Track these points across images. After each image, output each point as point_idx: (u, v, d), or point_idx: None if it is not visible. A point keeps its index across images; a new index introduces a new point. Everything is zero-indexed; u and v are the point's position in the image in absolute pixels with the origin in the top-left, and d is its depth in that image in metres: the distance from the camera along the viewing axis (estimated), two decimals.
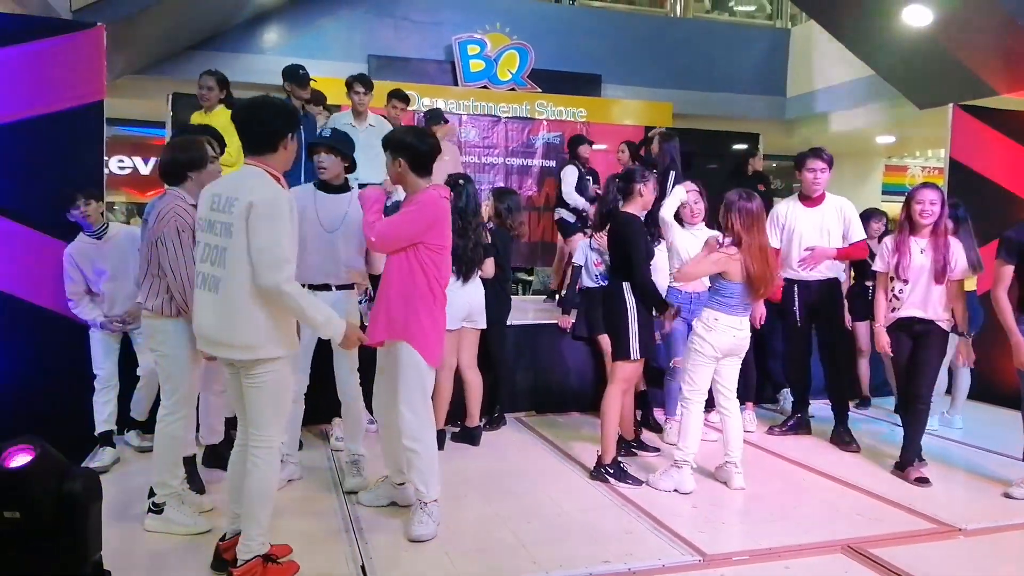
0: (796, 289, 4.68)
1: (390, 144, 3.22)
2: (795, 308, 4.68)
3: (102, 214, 4.09)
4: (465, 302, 4.35)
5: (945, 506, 3.69)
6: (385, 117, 5.75)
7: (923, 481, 3.95)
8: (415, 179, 3.20)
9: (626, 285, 3.89)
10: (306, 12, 8.86)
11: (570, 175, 6.71)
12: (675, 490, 3.80)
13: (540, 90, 9.37)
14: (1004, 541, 3.41)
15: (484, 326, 4.55)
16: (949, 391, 5.16)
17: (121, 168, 10.70)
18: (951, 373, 5.02)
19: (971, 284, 4.71)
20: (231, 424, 3.73)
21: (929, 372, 4.06)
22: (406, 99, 6.20)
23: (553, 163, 9.06)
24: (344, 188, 3.70)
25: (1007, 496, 3.82)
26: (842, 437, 4.63)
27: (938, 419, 4.96)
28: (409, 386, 3.17)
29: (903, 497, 3.80)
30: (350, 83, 5.47)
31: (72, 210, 3.94)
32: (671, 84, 9.94)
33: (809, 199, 4.66)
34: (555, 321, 5.49)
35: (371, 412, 3.61)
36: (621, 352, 3.89)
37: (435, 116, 6.55)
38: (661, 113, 9.83)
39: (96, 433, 4.03)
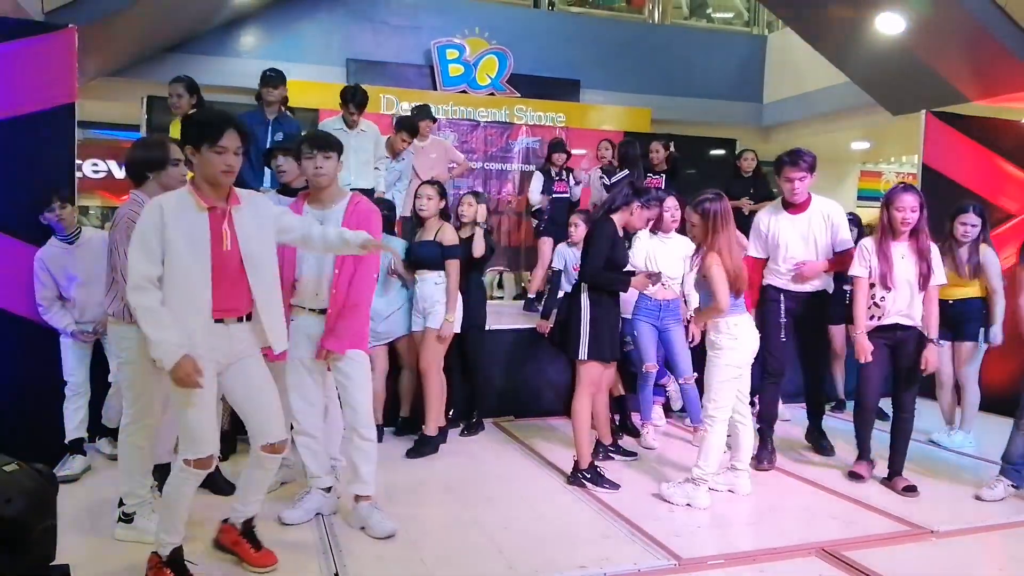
0: (783, 300, 4.35)
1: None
2: (781, 320, 4.33)
3: (75, 218, 4.03)
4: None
5: (918, 509, 3.73)
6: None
7: (911, 490, 3.93)
8: None
9: (584, 285, 3.92)
10: (284, 15, 8.80)
11: (536, 180, 7.04)
12: (687, 504, 3.70)
13: (519, 95, 9.39)
14: (976, 543, 3.45)
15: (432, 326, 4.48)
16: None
17: (95, 172, 10.55)
18: (958, 387, 4.88)
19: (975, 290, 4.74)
20: None
21: (915, 381, 4.00)
22: (414, 131, 6.16)
23: (532, 167, 9.08)
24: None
25: (978, 498, 3.87)
26: (818, 441, 4.67)
27: (947, 433, 4.93)
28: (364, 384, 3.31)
29: (877, 500, 3.84)
30: (343, 100, 5.47)
31: (46, 213, 3.88)
32: (650, 89, 10.00)
33: (793, 206, 4.34)
34: (533, 326, 5.50)
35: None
36: (571, 351, 3.92)
37: (423, 112, 6.59)
38: (640, 118, 9.89)
39: (66, 441, 3.95)
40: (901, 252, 3.94)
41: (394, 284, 4.68)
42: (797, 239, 4.32)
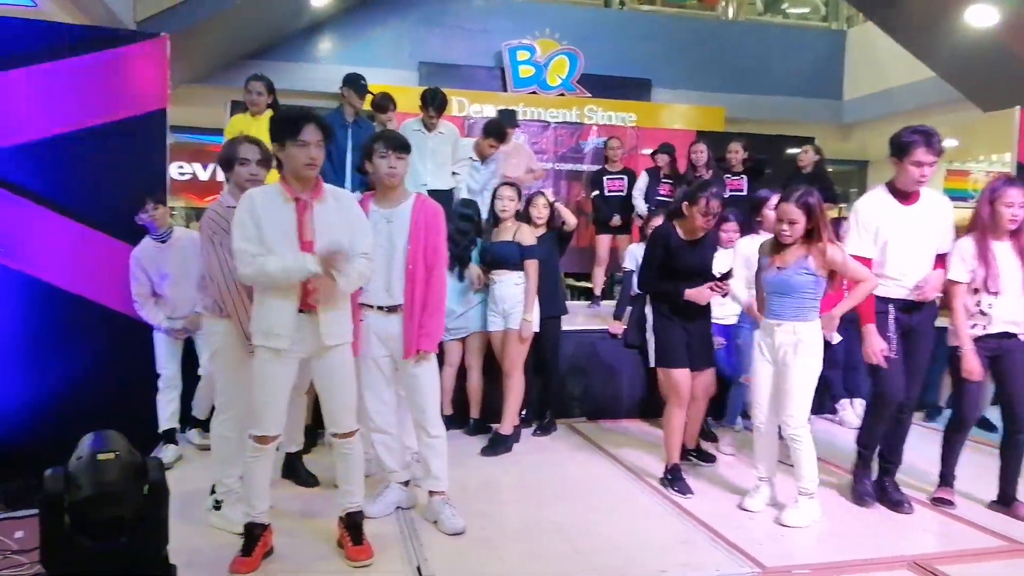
0: (892, 311, 3.62)
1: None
2: (891, 335, 3.60)
3: (168, 218, 4.22)
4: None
5: (1017, 524, 3.54)
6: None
7: None
8: None
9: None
10: (358, 21, 9.01)
11: (641, 180, 6.79)
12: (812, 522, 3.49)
13: (590, 95, 9.36)
14: None
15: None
16: None
17: (181, 174, 10.97)
18: None
19: None
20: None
21: None
22: (502, 137, 5.90)
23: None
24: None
25: None
26: None
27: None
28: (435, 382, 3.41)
29: (972, 514, 3.66)
30: (423, 103, 5.51)
31: (140, 213, 4.07)
32: (723, 88, 9.84)
33: (906, 195, 3.60)
34: (604, 327, 5.47)
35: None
36: (644, 358, 3.99)
37: (509, 118, 6.50)
38: (713, 117, 9.72)
39: (159, 431, 4.13)
40: (1004, 252, 3.57)
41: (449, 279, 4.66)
42: (908, 234, 3.59)
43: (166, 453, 4.04)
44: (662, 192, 6.69)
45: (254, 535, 2.93)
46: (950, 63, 7.45)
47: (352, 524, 3.04)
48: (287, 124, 2.78)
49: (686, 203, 3.83)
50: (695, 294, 3.80)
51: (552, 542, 3.23)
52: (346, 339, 2.97)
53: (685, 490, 3.82)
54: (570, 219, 4.86)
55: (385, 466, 3.50)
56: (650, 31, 9.86)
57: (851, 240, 3.65)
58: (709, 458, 4.40)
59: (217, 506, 3.28)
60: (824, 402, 5.41)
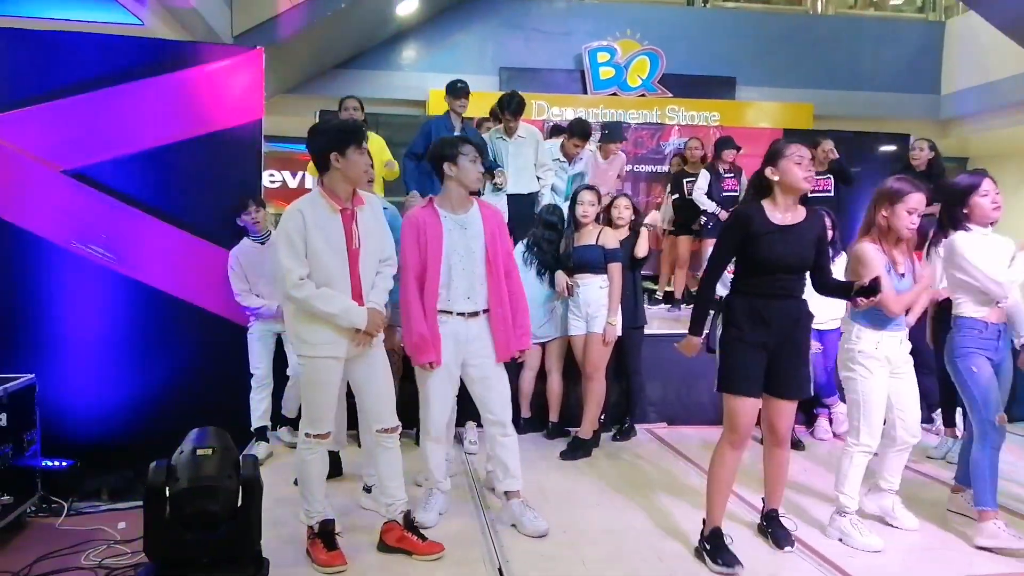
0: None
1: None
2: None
3: (267, 221, 4.41)
4: None
5: None
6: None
7: None
8: None
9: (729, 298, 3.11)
10: (441, 28, 9.16)
11: (702, 179, 6.62)
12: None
13: (671, 95, 9.23)
14: None
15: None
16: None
17: (272, 182, 11.40)
18: None
19: None
20: None
21: None
22: (585, 135, 5.87)
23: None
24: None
25: None
26: None
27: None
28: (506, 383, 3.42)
29: None
30: (500, 108, 5.55)
31: (243, 215, 4.27)
32: (811, 84, 9.54)
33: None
34: (684, 331, 5.36)
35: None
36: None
37: (615, 133, 6.48)
38: (801, 114, 9.43)
39: (252, 428, 4.32)
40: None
41: (536, 285, 4.65)
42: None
43: (258, 450, 4.22)
44: (727, 187, 6.56)
45: (329, 531, 3.03)
46: None
47: (411, 524, 3.11)
48: (346, 133, 2.92)
49: (770, 167, 2.97)
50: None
51: (634, 547, 3.21)
52: (381, 338, 3.09)
53: (732, 562, 2.95)
54: (641, 250, 4.70)
55: (433, 475, 3.45)
56: (735, 28, 9.65)
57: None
58: (785, 537, 3.21)
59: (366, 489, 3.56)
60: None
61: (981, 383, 3.24)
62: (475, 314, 3.29)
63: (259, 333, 4.38)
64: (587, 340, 4.51)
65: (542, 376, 4.86)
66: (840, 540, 3.26)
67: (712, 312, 3.56)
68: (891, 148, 9.25)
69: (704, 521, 3.11)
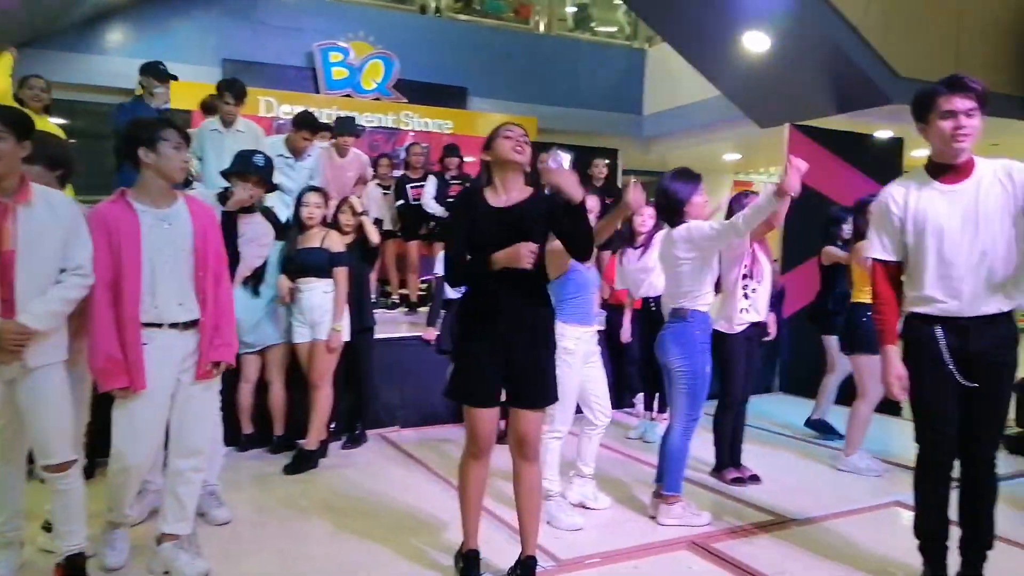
0: (942, 333, 2.67)
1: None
2: (948, 368, 2.66)
3: None
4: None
5: (782, 499, 3.94)
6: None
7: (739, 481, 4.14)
8: None
9: None
10: (155, 12, 8.35)
11: (430, 184, 6.78)
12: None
13: (406, 100, 9.32)
14: (835, 528, 3.64)
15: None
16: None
17: None
18: None
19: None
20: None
21: None
22: (314, 129, 5.64)
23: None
24: None
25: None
26: None
27: None
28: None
29: (742, 493, 4.04)
30: (219, 91, 5.19)
31: None
32: (536, 99, 10.14)
33: (951, 171, 2.65)
34: (418, 333, 5.46)
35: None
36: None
37: (346, 126, 6.29)
38: (527, 127, 9.92)
39: None
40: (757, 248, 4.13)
41: (248, 291, 4.33)
42: (960, 222, 2.63)
43: None
44: (453, 193, 6.77)
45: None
46: (732, 83, 8.15)
47: (77, 568, 2.75)
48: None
49: (485, 151, 2.91)
50: (505, 256, 2.67)
51: (363, 561, 3.16)
52: (57, 358, 2.66)
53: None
54: (373, 237, 4.75)
55: (120, 509, 2.95)
56: (467, 39, 9.99)
57: (871, 239, 2.86)
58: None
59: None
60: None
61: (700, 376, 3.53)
62: (192, 324, 2.85)
63: None
64: (312, 347, 4.38)
65: (264, 387, 4.62)
66: (548, 523, 3.46)
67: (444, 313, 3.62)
68: (605, 162, 10.21)
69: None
